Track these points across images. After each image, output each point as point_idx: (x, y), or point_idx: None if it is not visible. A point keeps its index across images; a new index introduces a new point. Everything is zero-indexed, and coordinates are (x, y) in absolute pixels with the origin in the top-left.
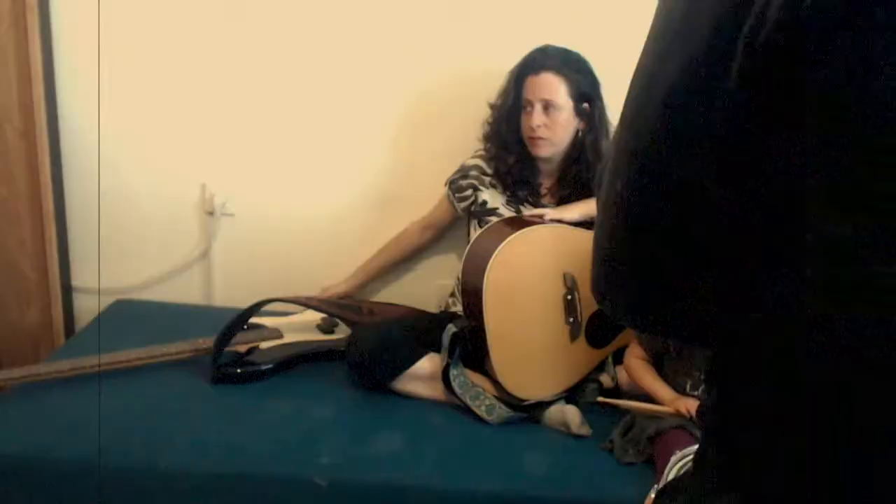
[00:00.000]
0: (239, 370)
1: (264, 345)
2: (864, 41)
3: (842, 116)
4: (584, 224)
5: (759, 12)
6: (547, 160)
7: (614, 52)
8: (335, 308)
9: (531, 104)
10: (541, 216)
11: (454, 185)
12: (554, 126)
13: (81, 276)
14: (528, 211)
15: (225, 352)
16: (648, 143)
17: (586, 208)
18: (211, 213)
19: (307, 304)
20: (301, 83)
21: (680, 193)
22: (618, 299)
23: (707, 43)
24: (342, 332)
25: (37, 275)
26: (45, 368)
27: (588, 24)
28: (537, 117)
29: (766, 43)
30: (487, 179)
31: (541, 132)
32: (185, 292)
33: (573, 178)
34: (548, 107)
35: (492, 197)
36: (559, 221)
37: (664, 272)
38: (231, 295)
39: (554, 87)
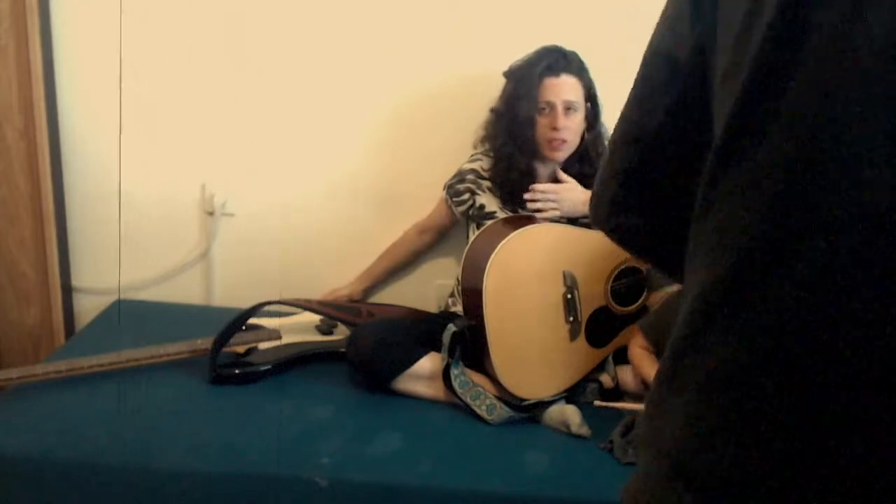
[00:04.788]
0: (237, 371)
1: (263, 345)
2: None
3: None
4: (583, 223)
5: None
6: (553, 164)
7: (609, 51)
8: (334, 311)
9: (552, 106)
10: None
11: (451, 190)
12: (574, 128)
13: (81, 276)
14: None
15: (223, 353)
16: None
17: (586, 196)
18: (211, 213)
19: (306, 306)
20: (300, 84)
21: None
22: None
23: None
24: (341, 333)
25: (37, 275)
26: (44, 368)
27: (585, 24)
28: (561, 119)
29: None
30: (484, 183)
31: (564, 134)
32: (185, 292)
33: (575, 176)
34: (568, 109)
35: (489, 200)
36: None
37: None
38: (231, 295)
39: (575, 89)
